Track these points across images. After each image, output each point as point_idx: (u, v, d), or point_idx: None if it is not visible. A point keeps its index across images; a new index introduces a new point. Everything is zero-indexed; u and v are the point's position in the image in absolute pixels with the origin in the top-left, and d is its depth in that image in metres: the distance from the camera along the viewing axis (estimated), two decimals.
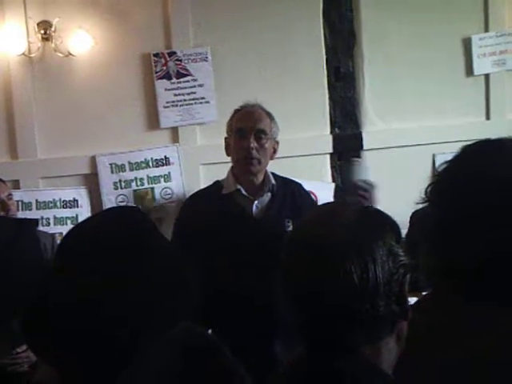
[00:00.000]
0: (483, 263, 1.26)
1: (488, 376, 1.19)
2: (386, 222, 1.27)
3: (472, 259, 1.27)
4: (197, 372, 0.99)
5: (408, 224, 3.08)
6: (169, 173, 4.41)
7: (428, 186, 1.41)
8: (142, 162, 4.38)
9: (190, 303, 1.22)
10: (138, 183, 4.39)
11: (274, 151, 3.05)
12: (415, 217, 3.11)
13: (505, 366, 1.19)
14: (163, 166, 4.41)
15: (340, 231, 1.21)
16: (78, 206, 4.35)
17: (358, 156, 4.42)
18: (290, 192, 3.08)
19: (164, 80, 4.38)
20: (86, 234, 1.25)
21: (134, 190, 4.39)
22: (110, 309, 1.12)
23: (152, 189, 4.40)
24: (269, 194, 3.02)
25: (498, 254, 1.25)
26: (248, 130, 2.95)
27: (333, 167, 4.53)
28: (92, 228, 1.26)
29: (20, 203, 4.23)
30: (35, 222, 3.37)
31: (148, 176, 4.40)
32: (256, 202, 2.99)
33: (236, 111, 3.08)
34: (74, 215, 4.35)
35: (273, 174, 3.09)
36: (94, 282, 1.13)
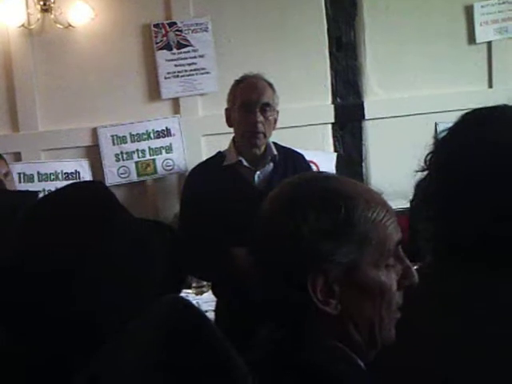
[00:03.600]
0: (484, 226, 1.26)
1: (487, 341, 1.20)
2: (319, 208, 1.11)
3: (473, 221, 1.27)
4: (180, 350, 0.97)
5: (410, 193, 3.08)
6: (170, 144, 4.40)
7: (427, 155, 1.41)
8: (143, 133, 4.37)
9: (158, 278, 1.20)
10: (140, 155, 4.39)
11: (275, 121, 3.06)
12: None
13: (502, 331, 1.20)
14: (164, 137, 4.40)
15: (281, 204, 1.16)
16: (79, 178, 4.33)
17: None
18: (292, 162, 3.09)
19: (164, 51, 4.35)
20: (46, 210, 1.22)
21: (136, 162, 4.39)
22: (68, 283, 1.11)
23: (153, 160, 4.40)
24: (271, 164, 3.03)
25: (499, 217, 1.25)
26: (253, 104, 2.95)
27: (334, 137, 4.53)
28: (53, 204, 1.24)
29: (22, 175, 4.23)
30: (36, 194, 3.37)
31: (149, 147, 4.39)
32: (258, 172, 3.01)
33: (238, 82, 3.06)
34: None
35: (274, 143, 3.09)
36: (52, 256, 1.12)
